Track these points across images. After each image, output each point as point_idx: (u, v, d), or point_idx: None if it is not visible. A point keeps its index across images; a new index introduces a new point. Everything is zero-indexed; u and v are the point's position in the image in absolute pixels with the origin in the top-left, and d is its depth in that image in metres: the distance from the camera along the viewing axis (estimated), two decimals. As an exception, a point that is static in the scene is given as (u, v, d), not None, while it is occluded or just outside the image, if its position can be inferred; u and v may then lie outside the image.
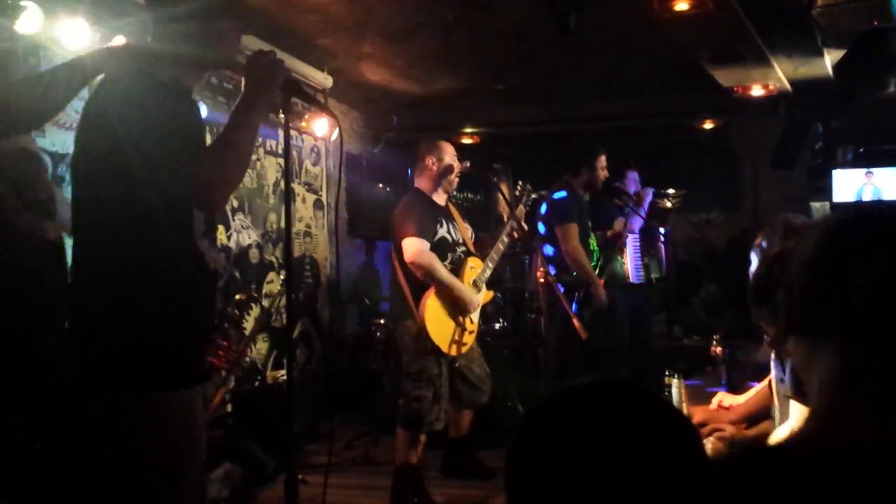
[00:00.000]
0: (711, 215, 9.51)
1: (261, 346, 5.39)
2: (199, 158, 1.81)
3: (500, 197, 8.34)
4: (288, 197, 1.96)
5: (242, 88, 1.89)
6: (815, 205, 7.92)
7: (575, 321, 3.89)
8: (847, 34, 4.13)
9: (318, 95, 5.76)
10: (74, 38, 3.48)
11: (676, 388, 3.34)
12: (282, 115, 1.98)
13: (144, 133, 1.73)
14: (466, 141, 7.33)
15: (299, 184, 6.04)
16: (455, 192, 4.22)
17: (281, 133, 2.00)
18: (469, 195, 9.98)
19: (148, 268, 1.77)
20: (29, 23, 3.25)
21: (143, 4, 3.67)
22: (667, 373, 3.38)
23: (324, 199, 6.37)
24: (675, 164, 8.68)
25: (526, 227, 4.23)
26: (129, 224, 1.77)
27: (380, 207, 7.37)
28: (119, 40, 3.71)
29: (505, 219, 4.92)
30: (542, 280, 4.23)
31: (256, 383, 5.17)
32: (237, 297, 3.32)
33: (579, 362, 4.53)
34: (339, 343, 6.40)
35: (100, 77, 1.95)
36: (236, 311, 2.48)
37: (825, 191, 7.80)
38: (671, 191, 9.74)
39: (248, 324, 3.00)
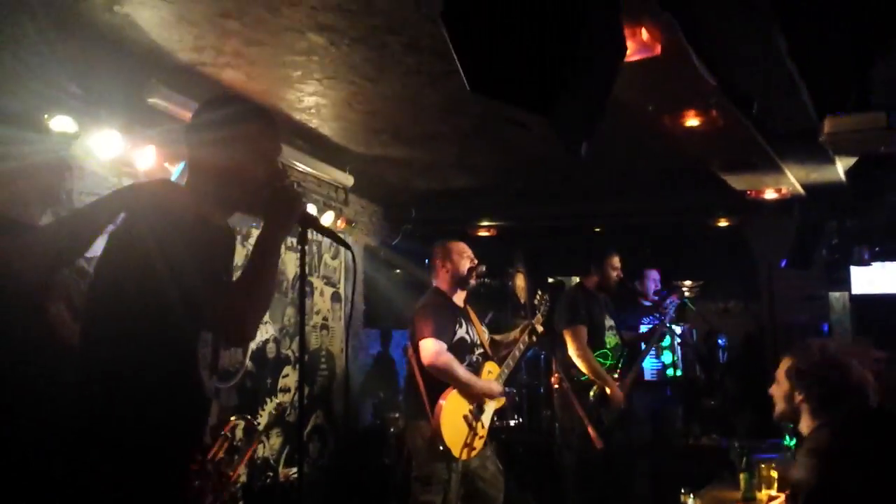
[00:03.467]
0: (729, 304, 9.46)
1: (274, 441, 5.38)
2: (222, 290, 1.87)
3: (517, 282, 8.39)
4: (302, 325, 2.02)
5: (262, 224, 1.98)
6: (835, 295, 7.88)
7: (590, 430, 3.88)
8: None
9: (339, 192, 5.92)
10: (107, 148, 3.61)
11: (692, 507, 3.29)
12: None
13: (162, 263, 1.79)
14: (483, 234, 7.42)
15: (318, 277, 6.14)
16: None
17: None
18: (486, 280, 10.05)
19: (145, 391, 1.82)
20: (65, 136, 3.39)
21: (173, 114, 3.86)
22: (682, 491, 3.35)
23: (341, 291, 6.45)
24: (691, 256, 8.71)
25: (541, 332, 4.26)
26: (133, 350, 1.82)
27: (396, 297, 7.44)
28: (150, 150, 3.88)
29: (522, 301, 4.96)
30: (556, 385, 4.23)
31: (268, 480, 5.14)
32: (231, 419, 3.35)
33: (599, 463, 4.48)
34: (352, 437, 6.36)
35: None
36: (229, 434, 2.51)
37: (844, 282, 7.76)
38: (688, 282, 9.73)
39: (239, 435, 3.04)
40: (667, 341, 6.01)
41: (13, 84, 3.28)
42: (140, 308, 1.81)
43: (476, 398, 3.89)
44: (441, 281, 4.14)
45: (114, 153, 3.66)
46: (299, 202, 1.99)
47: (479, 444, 3.97)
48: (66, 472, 1.81)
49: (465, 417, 3.88)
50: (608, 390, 4.63)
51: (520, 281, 8.51)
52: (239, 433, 4.06)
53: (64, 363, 2.00)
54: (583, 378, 4.63)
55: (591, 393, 4.64)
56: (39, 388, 2.01)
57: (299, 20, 3.13)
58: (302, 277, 2.07)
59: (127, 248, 1.86)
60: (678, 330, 6.12)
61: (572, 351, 4.69)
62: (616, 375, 4.85)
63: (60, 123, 3.37)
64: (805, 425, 2.58)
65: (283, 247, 5.52)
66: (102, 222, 1.98)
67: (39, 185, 2.24)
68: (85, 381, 1.85)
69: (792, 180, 5.11)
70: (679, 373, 6.08)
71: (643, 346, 5.38)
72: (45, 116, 3.35)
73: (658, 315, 5.45)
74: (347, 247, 2.14)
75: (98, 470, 1.78)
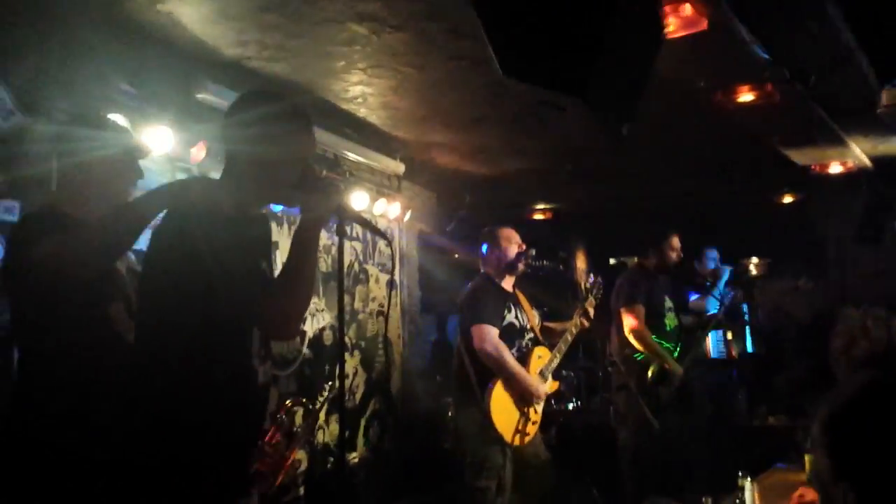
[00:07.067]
0: (800, 281, 9.15)
1: (333, 428, 5.45)
2: (265, 286, 1.89)
3: (577, 265, 8.30)
4: (341, 312, 2.02)
5: (298, 218, 1.99)
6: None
7: (646, 412, 3.82)
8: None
9: (392, 179, 5.94)
10: (159, 143, 3.69)
11: (749, 492, 3.20)
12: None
13: (207, 258, 1.83)
14: (538, 217, 7.35)
15: (372, 265, 6.18)
16: (532, 262, 4.19)
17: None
18: (543, 263, 9.96)
19: (198, 384, 1.86)
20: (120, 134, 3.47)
21: (222, 108, 3.91)
22: (740, 473, 3.25)
23: (396, 278, 6.48)
24: (755, 234, 8.44)
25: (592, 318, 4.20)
26: (184, 344, 1.86)
27: (452, 283, 7.45)
28: (200, 147, 3.94)
29: (582, 287, 4.90)
30: (610, 369, 4.17)
31: (328, 465, 5.22)
32: (287, 403, 3.41)
33: (655, 445, 4.41)
34: (411, 421, 6.41)
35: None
36: (284, 417, 2.56)
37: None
38: (755, 260, 9.43)
39: (298, 421, 3.10)
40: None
41: (69, 84, 3.38)
42: (188, 302, 1.85)
43: (522, 392, 3.85)
44: (489, 267, 4.11)
45: (166, 149, 3.74)
46: (334, 194, 1.99)
47: (532, 429, 3.94)
48: (126, 462, 1.87)
49: (517, 403, 3.85)
50: (667, 366, 4.54)
51: (580, 263, 8.42)
52: (298, 419, 4.15)
53: (122, 360, 2.06)
54: (637, 356, 4.55)
55: (650, 372, 4.55)
56: (101, 385, 2.07)
57: (338, 11, 3.13)
58: (340, 270, 2.06)
59: (172, 243, 1.89)
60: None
61: (628, 329, 4.61)
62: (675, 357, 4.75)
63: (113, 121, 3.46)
64: None
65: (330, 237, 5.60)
66: (146, 218, 2.02)
67: (110, 189, 2.30)
68: (140, 374, 1.90)
69: (857, 153, 4.89)
70: (750, 349, 5.93)
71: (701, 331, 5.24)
72: (100, 113, 3.44)
73: (709, 285, 5.26)
74: (384, 237, 2.13)
75: (157, 458, 1.83)
